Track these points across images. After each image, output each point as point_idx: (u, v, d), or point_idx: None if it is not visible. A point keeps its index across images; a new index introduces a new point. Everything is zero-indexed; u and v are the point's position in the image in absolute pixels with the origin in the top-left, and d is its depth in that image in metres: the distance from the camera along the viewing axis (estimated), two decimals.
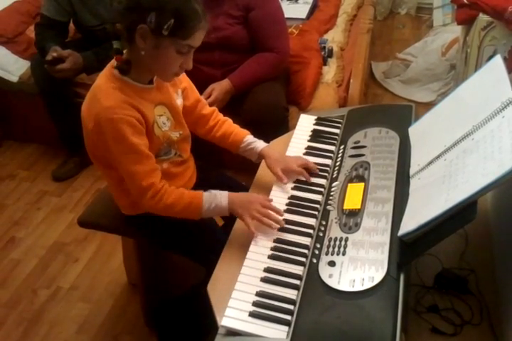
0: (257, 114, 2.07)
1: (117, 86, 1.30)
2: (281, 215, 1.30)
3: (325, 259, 1.13)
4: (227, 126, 1.57)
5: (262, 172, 1.51)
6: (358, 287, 1.05)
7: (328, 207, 1.29)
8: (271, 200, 1.35)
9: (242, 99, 2.12)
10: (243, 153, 1.56)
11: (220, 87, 2.08)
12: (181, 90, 1.48)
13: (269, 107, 2.08)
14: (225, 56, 2.13)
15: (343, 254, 1.13)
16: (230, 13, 2.08)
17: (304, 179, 1.42)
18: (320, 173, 1.44)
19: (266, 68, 2.13)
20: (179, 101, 1.46)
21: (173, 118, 1.43)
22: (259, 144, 1.53)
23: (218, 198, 1.36)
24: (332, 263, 1.12)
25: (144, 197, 1.35)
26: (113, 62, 1.32)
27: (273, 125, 2.06)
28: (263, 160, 1.52)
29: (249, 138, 1.55)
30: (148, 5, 1.20)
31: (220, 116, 1.60)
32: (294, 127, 1.65)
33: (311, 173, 1.43)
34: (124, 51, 1.31)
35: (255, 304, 1.10)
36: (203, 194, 1.37)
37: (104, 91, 1.30)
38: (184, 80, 1.50)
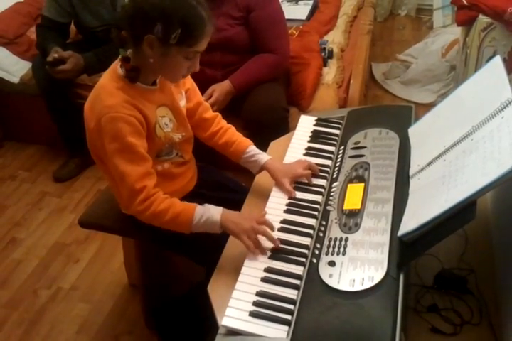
0: (258, 115, 2.08)
1: (120, 86, 1.30)
2: (273, 231, 1.26)
3: (325, 259, 1.14)
4: (231, 134, 1.55)
5: (262, 173, 1.52)
6: (358, 287, 1.05)
7: (328, 208, 1.29)
8: (264, 213, 1.32)
9: (242, 100, 2.12)
10: (244, 164, 1.53)
11: (220, 88, 2.08)
12: (185, 91, 1.49)
13: (269, 108, 2.08)
14: (225, 57, 2.13)
15: (343, 254, 1.13)
16: (231, 14, 2.08)
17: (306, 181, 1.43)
18: (320, 174, 1.44)
19: (266, 69, 2.13)
20: (182, 103, 1.47)
21: (176, 119, 1.43)
22: (263, 156, 1.50)
23: (211, 211, 1.30)
24: (332, 263, 1.12)
25: (133, 200, 1.30)
26: (117, 61, 1.33)
27: (273, 126, 2.06)
28: None
29: (252, 148, 1.52)
30: (154, 15, 1.20)
31: (224, 122, 1.58)
32: (294, 128, 1.65)
33: (311, 174, 1.44)
34: (129, 52, 1.31)
35: (255, 304, 1.10)
36: (196, 206, 1.32)
37: (107, 91, 1.30)
38: (188, 82, 1.51)
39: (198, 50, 1.28)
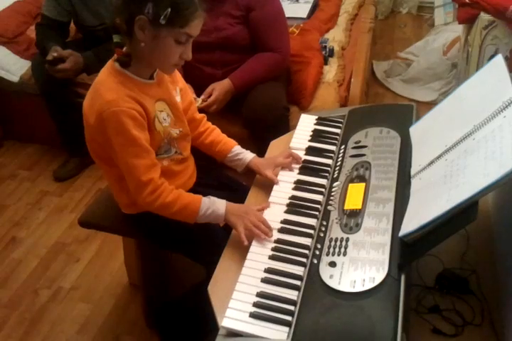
0: (258, 114, 2.07)
1: (119, 80, 1.31)
2: (271, 233, 1.27)
3: (325, 260, 1.13)
4: (217, 134, 1.61)
5: None
6: (359, 287, 1.05)
7: (329, 208, 1.28)
8: (267, 207, 1.35)
9: (242, 98, 2.11)
10: (229, 163, 1.59)
11: (220, 87, 2.07)
12: (179, 89, 1.49)
13: (269, 107, 2.07)
14: (225, 56, 2.12)
15: (344, 255, 1.12)
16: (231, 13, 2.08)
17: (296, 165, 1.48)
18: (321, 173, 1.44)
19: (266, 68, 2.12)
20: (178, 99, 1.47)
21: (173, 114, 1.44)
22: (248, 155, 1.56)
23: (216, 204, 1.37)
24: (333, 264, 1.11)
25: (142, 192, 1.34)
26: (114, 57, 1.33)
27: (274, 125, 2.06)
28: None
29: (237, 148, 1.58)
30: None
31: (209, 123, 1.62)
32: (294, 127, 1.65)
33: (312, 174, 1.44)
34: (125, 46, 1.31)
35: (256, 305, 1.10)
36: (201, 198, 1.38)
37: (106, 86, 1.31)
38: (180, 81, 1.51)
39: (189, 33, 1.28)
